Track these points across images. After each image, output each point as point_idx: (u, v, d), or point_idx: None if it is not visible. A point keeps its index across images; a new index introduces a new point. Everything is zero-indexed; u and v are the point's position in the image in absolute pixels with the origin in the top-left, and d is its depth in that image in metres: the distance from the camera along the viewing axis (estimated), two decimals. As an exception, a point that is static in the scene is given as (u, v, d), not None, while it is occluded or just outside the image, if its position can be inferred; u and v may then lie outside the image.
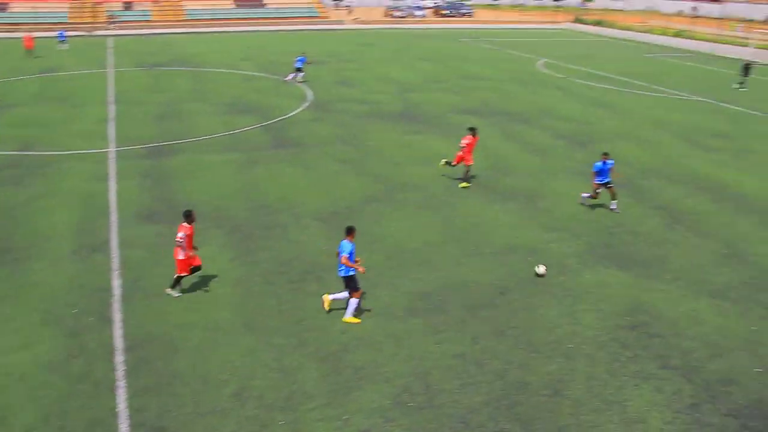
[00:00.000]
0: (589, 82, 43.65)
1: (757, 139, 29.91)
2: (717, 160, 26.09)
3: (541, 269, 15.87)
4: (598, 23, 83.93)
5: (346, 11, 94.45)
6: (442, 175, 22.93)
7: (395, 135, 28.51)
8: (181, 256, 14.14)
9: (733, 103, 38.02)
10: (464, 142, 21.56)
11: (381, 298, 14.64)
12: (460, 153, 21.59)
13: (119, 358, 12.24)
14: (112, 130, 28.59)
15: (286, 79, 40.82)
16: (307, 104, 34.38)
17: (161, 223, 18.47)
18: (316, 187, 21.63)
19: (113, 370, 11.92)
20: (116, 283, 15.04)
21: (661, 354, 12.86)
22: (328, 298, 13.98)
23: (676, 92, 41.02)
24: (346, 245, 13.30)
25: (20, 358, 12.21)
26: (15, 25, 72.50)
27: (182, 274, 14.37)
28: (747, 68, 43.24)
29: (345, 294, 13.74)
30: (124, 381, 11.60)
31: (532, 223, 19.19)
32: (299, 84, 39.94)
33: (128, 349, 12.52)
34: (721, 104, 37.77)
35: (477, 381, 11.88)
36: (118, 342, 12.76)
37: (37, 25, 70.34)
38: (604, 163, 19.55)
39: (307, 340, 12.99)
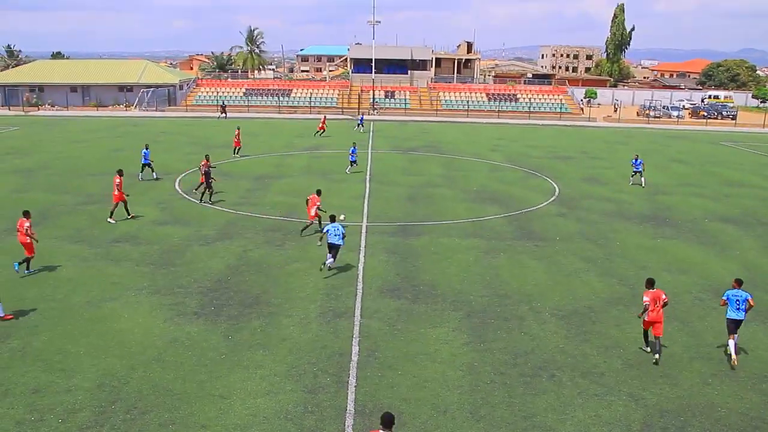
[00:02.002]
0: None
1: None
2: None
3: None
4: None
5: (613, 106, 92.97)
6: (693, 287, 21.17)
7: (642, 237, 27.03)
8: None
9: None
10: None
11: (617, 409, 13.62)
12: None
13: (349, 422, 12.66)
14: (365, 206, 30.65)
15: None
16: (553, 198, 34.08)
17: (402, 299, 19.12)
18: (556, 283, 21.06)
19: (343, 431, 12.36)
20: (354, 350, 15.73)
21: None
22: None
23: None
24: None
25: (265, 403, 13.20)
26: (294, 108, 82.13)
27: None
28: None
29: None
30: (352, 445, 11.96)
31: (802, 352, 16.82)
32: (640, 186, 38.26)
33: (358, 414, 12.93)
34: None
35: None
36: (350, 405, 13.24)
37: (312, 108, 78.82)
38: None
39: (534, 439, 12.44)
